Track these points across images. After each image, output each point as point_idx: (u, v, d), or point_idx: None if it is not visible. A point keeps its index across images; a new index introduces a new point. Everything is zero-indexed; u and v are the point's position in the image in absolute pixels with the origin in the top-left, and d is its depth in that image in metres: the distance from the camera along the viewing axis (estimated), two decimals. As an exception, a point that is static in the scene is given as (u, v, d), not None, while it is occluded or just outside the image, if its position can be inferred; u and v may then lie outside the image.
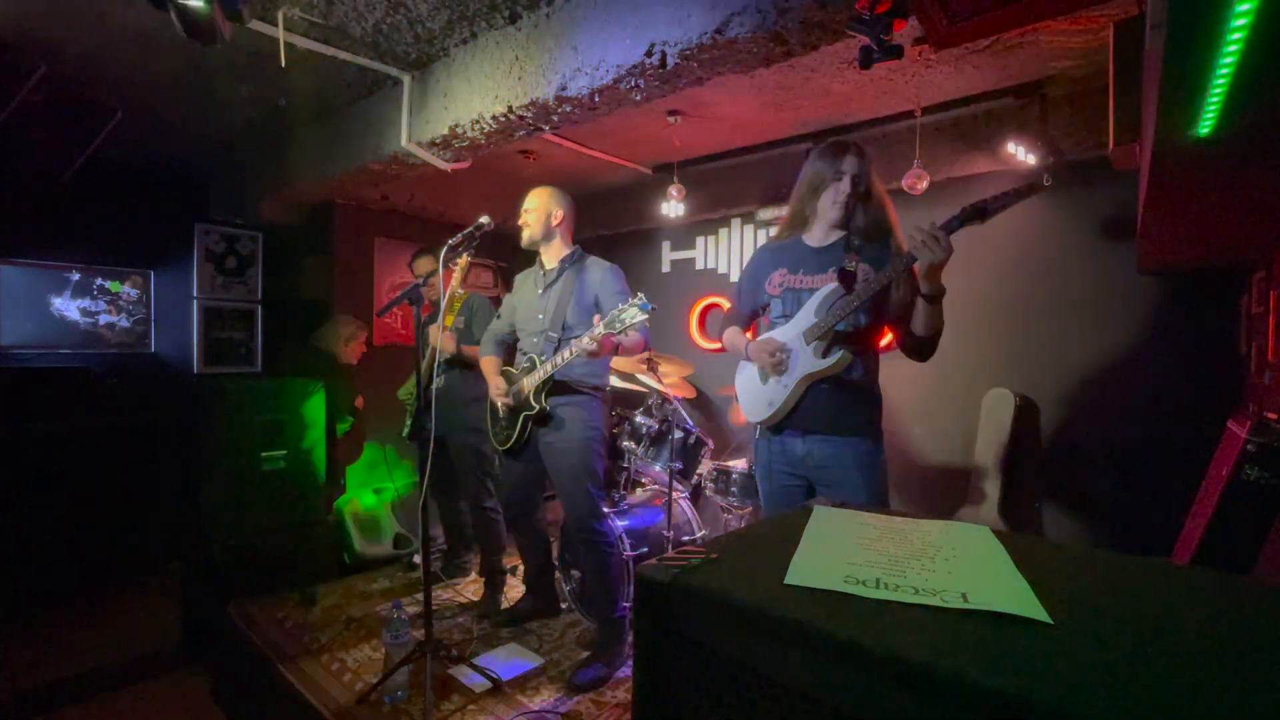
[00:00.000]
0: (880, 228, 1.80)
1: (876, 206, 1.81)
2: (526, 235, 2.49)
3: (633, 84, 2.15)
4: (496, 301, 2.97)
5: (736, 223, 4.09)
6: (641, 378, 3.25)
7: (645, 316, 2.02)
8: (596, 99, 2.27)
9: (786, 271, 1.88)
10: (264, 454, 3.07)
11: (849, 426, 1.78)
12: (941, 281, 1.59)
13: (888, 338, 1.91)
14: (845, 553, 0.82)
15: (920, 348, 1.72)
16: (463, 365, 2.97)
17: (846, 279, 1.66)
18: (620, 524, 2.72)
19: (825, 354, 1.76)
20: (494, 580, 3.03)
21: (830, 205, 1.82)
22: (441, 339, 2.82)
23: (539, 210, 2.48)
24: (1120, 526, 2.76)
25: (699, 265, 4.31)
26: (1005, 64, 2.47)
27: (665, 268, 4.50)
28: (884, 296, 1.73)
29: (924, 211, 2.71)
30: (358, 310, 4.22)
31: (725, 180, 3.86)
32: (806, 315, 1.79)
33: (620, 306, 2.05)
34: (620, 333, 2.07)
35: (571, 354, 2.22)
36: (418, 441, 2.17)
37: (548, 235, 2.48)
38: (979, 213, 1.51)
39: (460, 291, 3.12)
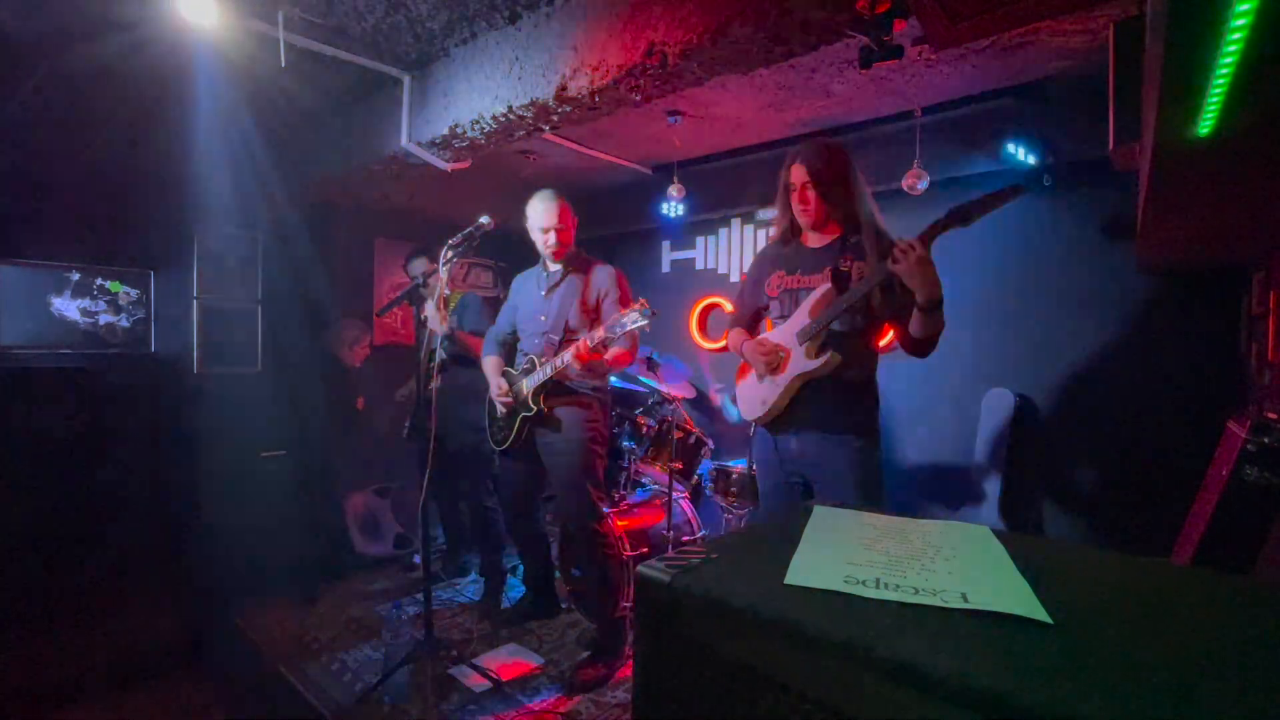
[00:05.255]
0: (854, 222, 1.80)
1: (846, 202, 1.80)
2: (563, 252, 2.44)
3: (633, 84, 2.15)
4: (493, 302, 2.97)
5: (736, 223, 4.09)
6: (642, 378, 3.25)
7: (645, 323, 2.02)
8: (596, 99, 2.27)
9: (784, 273, 1.89)
10: (264, 453, 3.07)
11: (841, 425, 1.78)
12: (938, 292, 1.57)
13: (889, 336, 1.91)
14: (845, 553, 0.82)
15: (918, 347, 1.73)
16: (461, 359, 2.95)
17: (839, 279, 1.66)
18: (620, 524, 2.72)
19: (817, 354, 1.76)
20: (494, 580, 3.03)
21: (797, 215, 1.85)
22: (436, 321, 2.79)
23: (572, 225, 2.47)
24: (1120, 526, 2.76)
25: (699, 265, 4.31)
26: (1005, 64, 2.47)
27: (665, 268, 4.50)
28: (883, 295, 1.73)
29: (924, 211, 2.71)
30: (358, 310, 4.22)
31: (725, 180, 3.86)
32: (801, 315, 1.80)
33: (620, 312, 2.06)
34: (619, 338, 2.08)
35: (571, 357, 2.22)
36: (418, 442, 2.17)
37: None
38: (961, 217, 1.51)
39: (448, 291, 3.12)
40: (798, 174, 1.81)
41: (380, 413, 3.95)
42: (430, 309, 2.80)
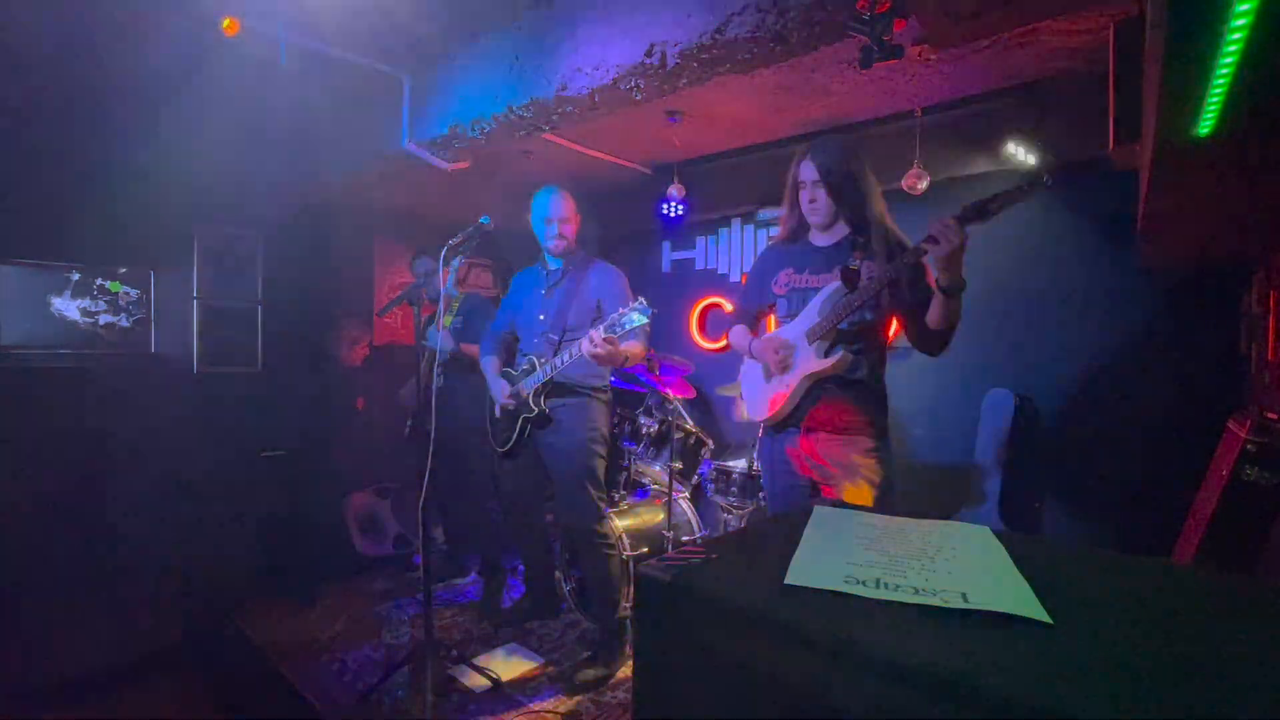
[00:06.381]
0: (864, 221, 1.79)
1: (857, 201, 1.79)
2: (564, 246, 2.43)
3: (633, 84, 2.15)
4: (496, 301, 2.97)
5: (736, 223, 4.09)
6: (642, 378, 3.25)
7: (646, 320, 2.01)
8: (596, 99, 2.27)
9: (793, 271, 1.88)
10: (264, 453, 3.07)
11: (851, 425, 1.77)
12: (961, 274, 1.55)
13: (894, 328, 1.89)
14: (845, 553, 0.82)
15: (934, 341, 1.70)
16: (462, 365, 2.97)
17: (850, 277, 1.65)
18: (620, 524, 2.72)
19: (827, 353, 1.75)
20: (494, 580, 3.03)
21: (806, 214, 1.84)
22: (440, 337, 2.82)
23: (576, 221, 2.45)
24: (1120, 526, 2.76)
25: (699, 265, 4.30)
26: (1005, 64, 2.47)
27: (665, 268, 4.50)
28: (892, 292, 1.72)
29: (924, 211, 2.71)
30: (358, 310, 4.22)
31: (725, 180, 3.86)
32: (810, 314, 1.79)
33: (621, 311, 2.05)
34: (620, 336, 2.07)
35: (571, 356, 2.22)
36: (418, 442, 2.17)
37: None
38: (980, 212, 1.50)
39: (455, 292, 3.13)
40: (807, 171, 1.79)
41: (380, 412, 3.95)
42: (433, 333, 2.80)
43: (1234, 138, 1.19)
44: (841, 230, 1.84)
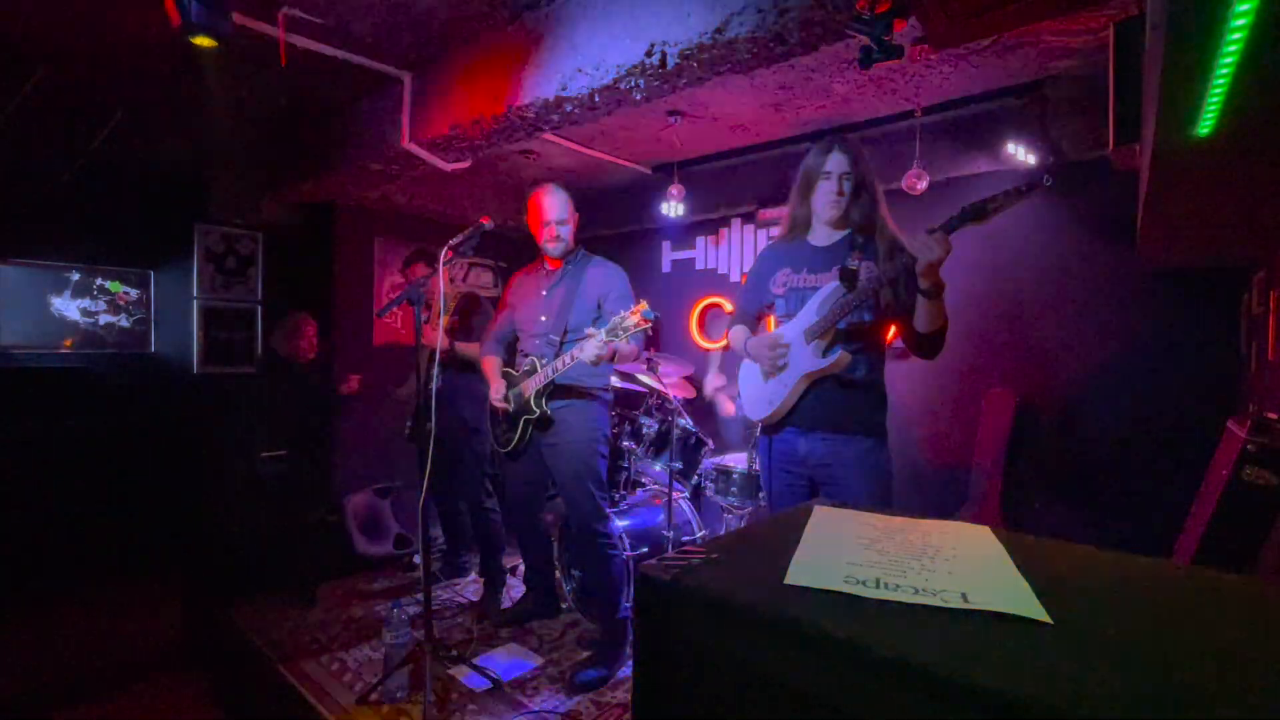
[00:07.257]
0: (870, 222, 1.80)
1: (868, 201, 1.81)
2: (562, 249, 2.43)
3: (633, 84, 2.15)
4: (494, 301, 2.97)
5: (736, 223, 4.09)
6: (642, 377, 3.25)
7: (648, 324, 2.01)
8: (596, 99, 2.27)
9: (791, 271, 1.88)
10: (264, 454, 3.07)
11: (849, 424, 1.77)
12: (939, 278, 1.58)
13: (892, 332, 1.90)
14: (845, 553, 0.82)
15: (924, 345, 1.71)
16: (460, 364, 2.96)
17: (848, 277, 1.66)
18: (620, 524, 2.72)
19: (825, 353, 1.76)
20: (494, 580, 3.03)
21: (823, 206, 1.83)
22: (438, 336, 2.81)
23: (573, 221, 2.44)
24: (1120, 526, 2.76)
25: (699, 265, 4.30)
26: (1005, 64, 2.47)
27: (665, 268, 4.50)
28: (888, 294, 1.72)
29: (924, 211, 2.71)
30: (358, 310, 4.23)
31: (725, 180, 3.86)
32: (809, 314, 1.79)
33: (622, 314, 2.04)
34: (621, 339, 2.07)
35: (572, 359, 2.21)
36: (417, 442, 2.17)
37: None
38: (979, 212, 1.50)
39: (447, 291, 3.13)
40: (837, 162, 1.78)
41: (380, 412, 3.94)
42: (427, 329, 2.78)
43: (1234, 138, 1.18)
44: (842, 230, 1.85)
